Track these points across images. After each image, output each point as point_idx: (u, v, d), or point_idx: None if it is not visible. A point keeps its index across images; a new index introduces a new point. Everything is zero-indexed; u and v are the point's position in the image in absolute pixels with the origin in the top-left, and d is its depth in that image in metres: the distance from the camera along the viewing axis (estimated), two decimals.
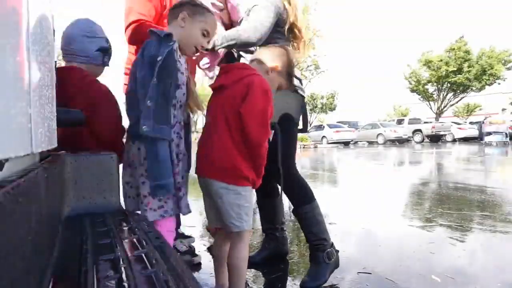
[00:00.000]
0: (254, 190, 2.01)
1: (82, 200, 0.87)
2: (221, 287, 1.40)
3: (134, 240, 0.65)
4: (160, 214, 1.19)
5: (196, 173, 1.31)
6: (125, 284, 0.47)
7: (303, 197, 1.72)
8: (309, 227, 1.73)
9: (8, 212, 0.38)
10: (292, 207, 1.79)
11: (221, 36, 1.63)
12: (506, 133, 16.17)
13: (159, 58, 1.10)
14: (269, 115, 1.25)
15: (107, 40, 1.64)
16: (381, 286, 1.63)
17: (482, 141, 17.13)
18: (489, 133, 16.53)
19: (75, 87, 1.44)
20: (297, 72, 1.80)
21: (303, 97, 1.84)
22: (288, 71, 1.42)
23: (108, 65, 1.71)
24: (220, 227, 1.36)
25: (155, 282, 0.47)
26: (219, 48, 1.66)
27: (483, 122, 18.85)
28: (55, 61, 1.14)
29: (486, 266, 1.89)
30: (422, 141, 20.64)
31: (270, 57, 1.40)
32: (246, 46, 1.71)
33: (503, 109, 17.38)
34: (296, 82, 1.77)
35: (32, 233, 0.48)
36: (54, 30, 1.04)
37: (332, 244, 1.76)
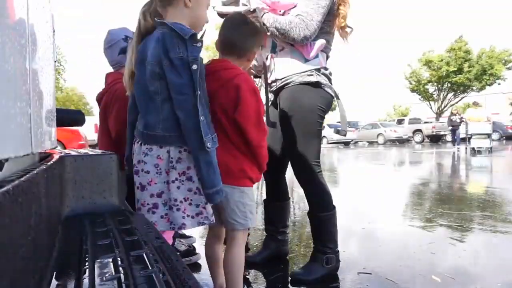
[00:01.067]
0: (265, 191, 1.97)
1: (82, 200, 0.87)
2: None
3: (134, 240, 0.65)
4: (198, 221, 1.11)
5: None
6: (125, 284, 0.47)
7: (325, 203, 1.71)
8: (321, 234, 1.72)
9: (8, 212, 0.38)
10: (309, 210, 1.76)
11: (273, 19, 1.59)
12: (490, 135, 11.08)
13: (195, 67, 1.00)
14: (261, 112, 1.28)
15: (125, 39, 1.71)
16: (382, 286, 1.63)
17: (459, 146, 12.76)
18: (473, 135, 11.12)
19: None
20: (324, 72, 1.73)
21: (331, 96, 1.72)
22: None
23: None
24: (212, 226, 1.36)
25: (155, 282, 0.47)
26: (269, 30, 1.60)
27: (457, 120, 13.77)
28: (55, 61, 1.15)
29: (486, 266, 1.89)
30: (423, 141, 20.64)
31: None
32: (288, 39, 1.65)
33: (475, 103, 11.64)
34: (323, 79, 1.70)
35: (32, 233, 0.48)
36: (54, 30, 1.04)
37: (337, 252, 1.74)
